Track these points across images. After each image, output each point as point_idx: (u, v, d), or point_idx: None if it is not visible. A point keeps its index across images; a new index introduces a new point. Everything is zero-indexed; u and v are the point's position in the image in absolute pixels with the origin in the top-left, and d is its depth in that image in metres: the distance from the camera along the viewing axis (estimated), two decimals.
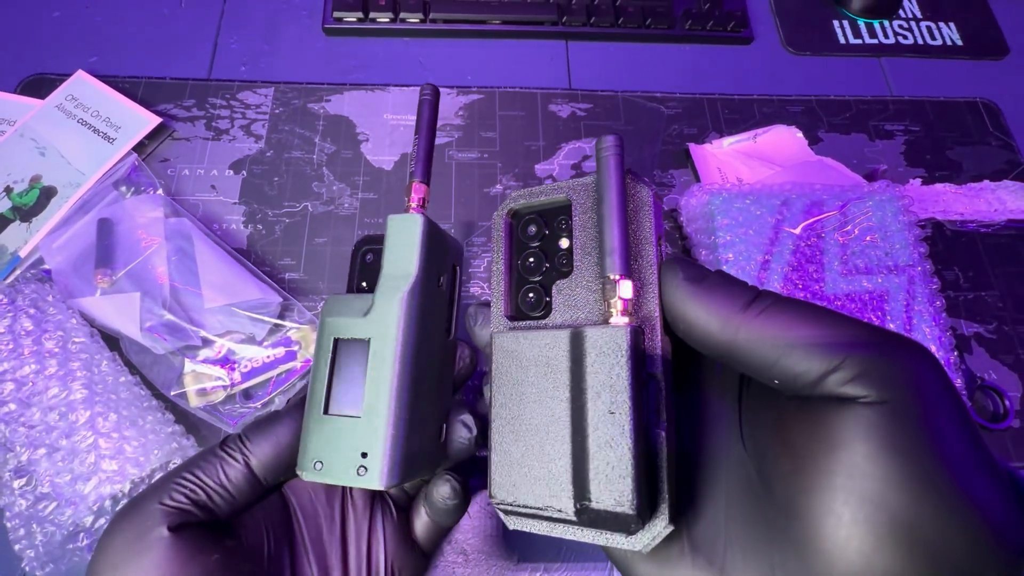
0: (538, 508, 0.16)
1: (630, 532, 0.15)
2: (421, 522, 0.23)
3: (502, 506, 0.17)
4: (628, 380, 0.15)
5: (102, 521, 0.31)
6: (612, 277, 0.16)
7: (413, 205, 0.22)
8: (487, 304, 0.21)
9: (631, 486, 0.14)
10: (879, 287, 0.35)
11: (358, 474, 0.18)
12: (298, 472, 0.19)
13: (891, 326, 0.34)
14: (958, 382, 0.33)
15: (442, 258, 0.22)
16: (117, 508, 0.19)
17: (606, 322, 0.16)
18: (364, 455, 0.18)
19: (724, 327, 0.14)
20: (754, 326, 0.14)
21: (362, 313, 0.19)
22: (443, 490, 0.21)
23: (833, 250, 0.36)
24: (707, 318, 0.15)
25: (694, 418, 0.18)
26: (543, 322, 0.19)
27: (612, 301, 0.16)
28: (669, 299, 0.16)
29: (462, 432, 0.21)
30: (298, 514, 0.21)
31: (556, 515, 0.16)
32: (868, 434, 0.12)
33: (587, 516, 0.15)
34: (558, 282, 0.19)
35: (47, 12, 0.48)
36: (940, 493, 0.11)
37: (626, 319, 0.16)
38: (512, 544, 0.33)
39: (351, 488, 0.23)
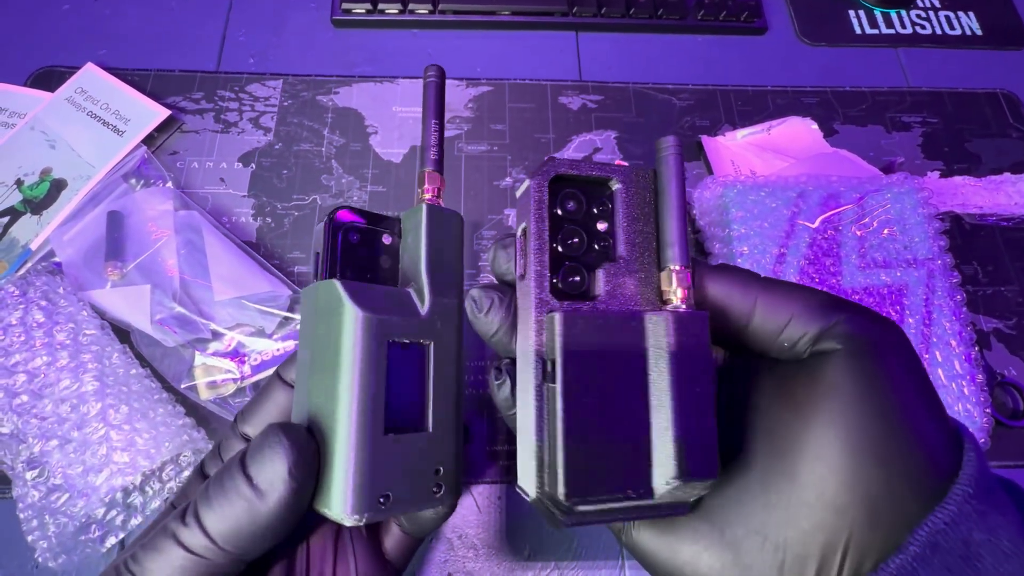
0: (614, 496, 0.16)
1: (699, 496, 0.16)
2: (392, 537, 0.21)
3: (572, 501, 0.15)
4: (709, 359, 0.16)
5: (113, 513, 0.31)
6: (674, 268, 0.17)
7: (427, 197, 0.21)
8: (494, 288, 0.19)
9: (716, 456, 0.16)
10: (898, 281, 0.34)
11: (433, 495, 0.17)
12: (342, 517, 0.15)
13: (910, 321, 0.33)
14: (979, 377, 0.32)
15: None
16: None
17: (667, 310, 0.17)
18: (437, 471, 0.17)
19: (744, 302, 0.17)
20: (766, 300, 0.17)
21: (414, 313, 0.18)
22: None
23: (851, 243, 0.35)
24: (729, 298, 0.18)
25: None
26: (598, 306, 0.17)
27: (673, 290, 0.17)
28: (700, 284, 0.18)
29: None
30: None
31: (632, 498, 0.16)
32: (853, 378, 0.15)
33: (671, 492, 0.16)
34: (606, 265, 0.18)
35: (57, 5, 0.48)
36: (898, 428, 0.15)
37: (690, 307, 0.17)
38: (523, 539, 0.32)
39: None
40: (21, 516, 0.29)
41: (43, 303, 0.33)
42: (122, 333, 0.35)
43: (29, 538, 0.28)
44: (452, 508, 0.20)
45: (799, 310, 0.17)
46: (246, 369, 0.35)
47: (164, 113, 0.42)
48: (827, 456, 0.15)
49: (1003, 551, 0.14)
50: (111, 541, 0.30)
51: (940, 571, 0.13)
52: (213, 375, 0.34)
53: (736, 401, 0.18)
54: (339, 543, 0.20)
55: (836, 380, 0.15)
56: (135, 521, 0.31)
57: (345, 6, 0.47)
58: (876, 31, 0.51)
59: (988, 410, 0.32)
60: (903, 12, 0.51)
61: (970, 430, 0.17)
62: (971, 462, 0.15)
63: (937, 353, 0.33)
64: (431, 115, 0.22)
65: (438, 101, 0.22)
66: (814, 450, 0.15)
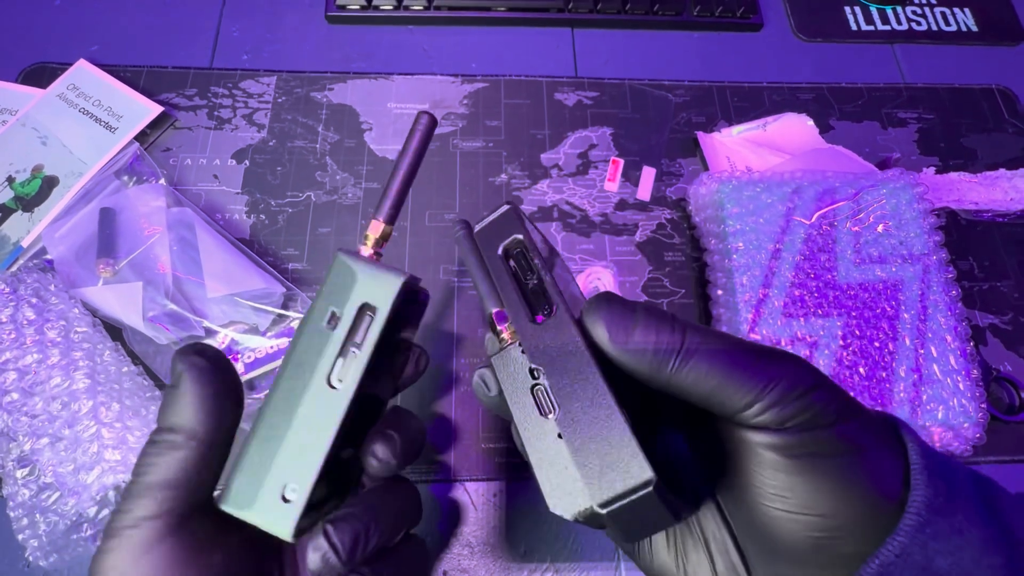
0: (626, 492, 0.15)
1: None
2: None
3: (601, 506, 0.16)
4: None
5: (105, 511, 0.31)
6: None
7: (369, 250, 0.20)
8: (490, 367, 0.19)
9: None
10: (893, 276, 0.34)
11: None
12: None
13: (905, 316, 0.33)
14: (974, 373, 0.32)
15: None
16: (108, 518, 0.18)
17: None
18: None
19: (655, 378, 0.16)
20: (678, 380, 0.16)
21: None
22: (312, 558, 0.18)
23: (846, 239, 0.35)
24: (641, 370, 0.16)
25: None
26: (549, 321, 0.18)
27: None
28: (606, 349, 0.17)
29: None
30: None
31: (639, 490, 0.15)
32: (787, 455, 0.16)
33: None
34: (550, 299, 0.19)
35: (49, 1, 0.48)
36: (850, 483, 0.15)
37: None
38: (518, 537, 0.32)
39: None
40: (11, 515, 0.28)
41: (34, 300, 0.32)
42: (114, 331, 0.35)
43: (20, 537, 0.28)
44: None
45: (716, 388, 0.16)
46: (239, 367, 0.35)
47: (157, 110, 0.42)
48: (778, 522, 0.16)
49: (966, 570, 0.14)
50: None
51: None
52: None
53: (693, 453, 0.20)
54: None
55: (772, 460, 0.16)
56: None
57: (340, 2, 0.47)
58: (872, 27, 0.51)
59: (984, 405, 0.32)
60: (899, 8, 0.51)
61: (910, 426, 0.17)
62: (919, 475, 0.15)
63: (932, 348, 0.33)
64: (407, 159, 0.20)
65: (419, 148, 0.21)
66: (765, 512, 0.16)
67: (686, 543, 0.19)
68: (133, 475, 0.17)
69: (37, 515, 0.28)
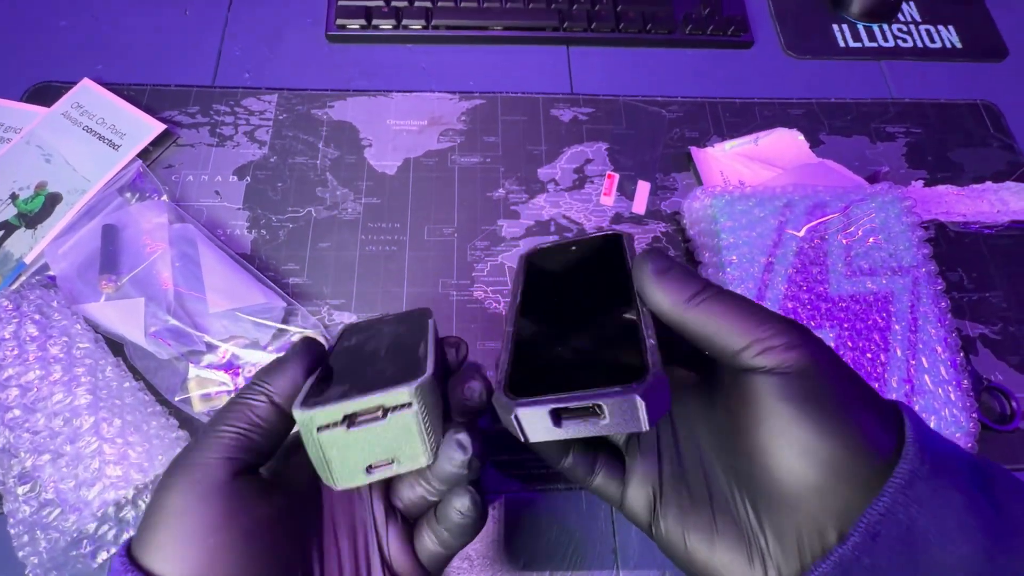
0: (556, 397, 0.17)
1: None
2: (424, 549, 0.22)
3: (512, 397, 0.18)
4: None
5: (105, 527, 0.31)
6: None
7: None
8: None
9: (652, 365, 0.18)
10: (883, 288, 0.35)
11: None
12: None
13: (896, 327, 0.34)
14: (964, 383, 0.33)
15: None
16: (171, 464, 0.19)
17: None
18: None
19: (673, 310, 0.19)
20: (693, 312, 0.18)
21: None
22: (462, 502, 0.21)
23: (837, 252, 0.36)
24: (664, 302, 0.19)
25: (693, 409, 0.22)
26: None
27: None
28: (639, 285, 0.20)
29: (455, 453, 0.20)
30: (330, 498, 0.22)
31: (575, 399, 0.17)
32: (784, 396, 0.17)
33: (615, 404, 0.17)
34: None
35: (54, 21, 0.49)
36: (839, 432, 0.16)
37: None
38: (519, 549, 0.32)
39: (371, 494, 0.22)
40: (12, 532, 0.28)
41: (37, 317, 0.33)
42: (116, 346, 0.35)
43: (20, 554, 0.28)
44: (482, 522, 0.22)
45: (719, 327, 0.18)
46: (240, 381, 0.35)
47: (160, 127, 0.43)
48: (778, 465, 0.17)
49: (950, 536, 0.15)
50: (102, 556, 0.30)
51: (884, 557, 0.15)
52: (207, 387, 0.34)
53: (702, 417, 0.20)
54: (389, 531, 0.22)
55: (770, 402, 0.17)
56: (127, 536, 0.31)
57: (340, 21, 0.48)
58: (859, 44, 0.52)
59: (975, 415, 0.33)
60: (885, 26, 0.53)
61: (911, 407, 0.18)
62: (911, 446, 0.16)
63: (923, 359, 0.33)
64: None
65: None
66: (765, 460, 0.17)
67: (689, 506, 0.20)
68: (211, 422, 0.19)
69: (38, 532, 0.28)
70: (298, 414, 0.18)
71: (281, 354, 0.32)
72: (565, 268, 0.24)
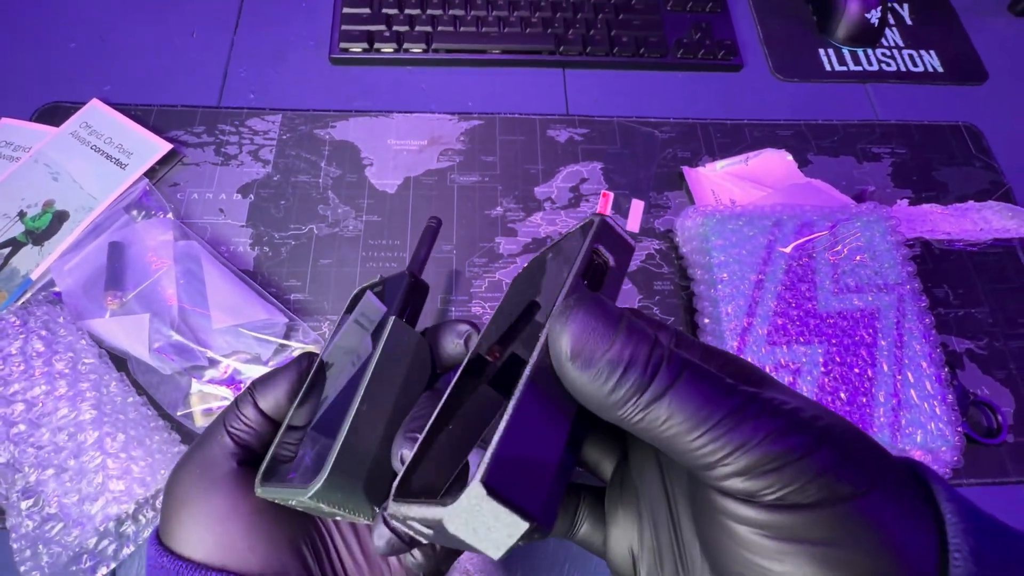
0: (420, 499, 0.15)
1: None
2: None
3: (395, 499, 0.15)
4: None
5: (105, 542, 0.31)
6: None
7: None
8: None
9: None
10: (870, 305, 0.36)
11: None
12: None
13: (883, 343, 0.35)
14: (949, 398, 0.34)
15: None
16: (182, 456, 0.21)
17: None
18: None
19: (606, 410, 0.13)
20: (636, 421, 0.13)
21: None
22: (407, 560, 0.20)
23: (824, 269, 0.37)
24: (590, 399, 0.13)
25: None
26: None
27: None
28: (555, 364, 0.14)
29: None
30: None
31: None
32: (759, 534, 0.12)
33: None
34: None
35: (64, 43, 0.50)
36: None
37: None
38: (514, 565, 0.33)
39: None
40: (14, 546, 0.29)
41: (43, 332, 0.33)
42: (119, 361, 0.36)
43: (22, 568, 0.28)
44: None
45: (674, 426, 0.12)
46: None
47: (166, 147, 0.44)
48: None
49: None
50: (102, 571, 0.30)
51: None
52: (209, 402, 0.35)
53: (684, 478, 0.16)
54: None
55: (744, 542, 0.12)
56: (127, 550, 0.32)
57: (343, 45, 0.50)
58: (845, 68, 0.54)
59: (960, 428, 0.33)
60: (869, 51, 0.55)
61: (935, 472, 0.13)
62: (959, 560, 0.11)
63: (909, 374, 0.34)
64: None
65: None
66: None
67: None
68: (210, 424, 0.21)
69: (40, 546, 0.28)
70: (261, 491, 0.19)
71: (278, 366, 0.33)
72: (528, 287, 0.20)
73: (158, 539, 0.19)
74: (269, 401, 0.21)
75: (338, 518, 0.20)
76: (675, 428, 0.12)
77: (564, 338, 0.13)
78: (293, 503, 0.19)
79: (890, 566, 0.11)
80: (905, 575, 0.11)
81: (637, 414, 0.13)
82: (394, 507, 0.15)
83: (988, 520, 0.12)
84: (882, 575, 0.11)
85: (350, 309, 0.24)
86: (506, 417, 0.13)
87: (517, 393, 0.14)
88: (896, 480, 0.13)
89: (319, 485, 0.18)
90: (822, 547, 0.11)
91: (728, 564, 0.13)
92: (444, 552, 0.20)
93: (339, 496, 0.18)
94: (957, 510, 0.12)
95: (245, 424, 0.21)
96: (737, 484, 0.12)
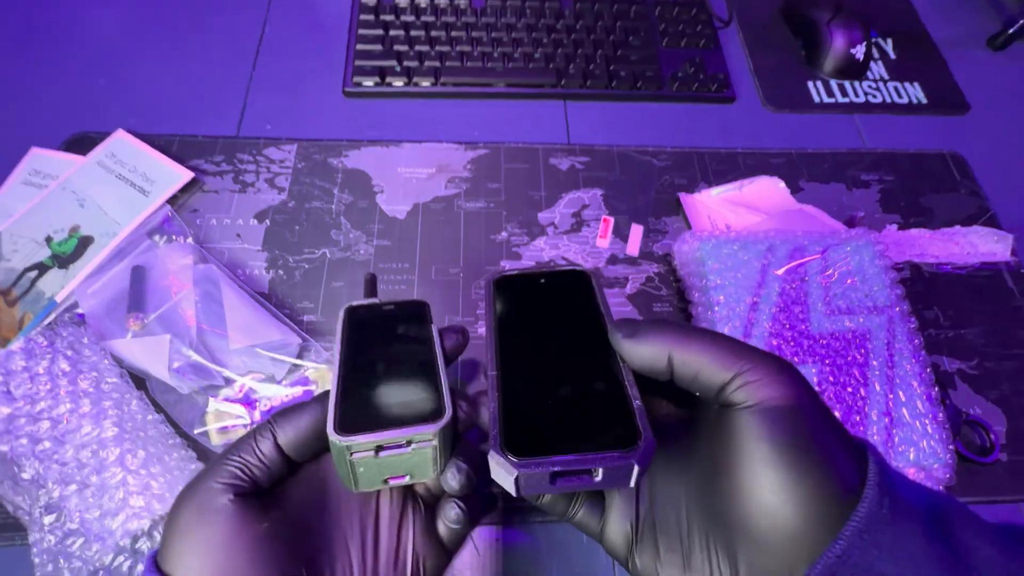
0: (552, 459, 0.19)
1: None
2: (443, 528, 0.24)
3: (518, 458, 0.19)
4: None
5: (121, 559, 0.32)
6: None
7: None
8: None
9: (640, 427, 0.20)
10: (861, 327, 0.37)
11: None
12: None
13: (874, 363, 0.36)
14: (940, 416, 0.35)
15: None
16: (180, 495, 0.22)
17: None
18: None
19: (655, 367, 0.20)
20: (678, 358, 0.19)
21: None
22: (448, 515, 0.23)
23: (816, 292, 0.39)
24: (646, 363, 0.20)
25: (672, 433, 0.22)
26: None
27: None
28: (619, 351, 0.21)
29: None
30: (338, 498, 0.23)
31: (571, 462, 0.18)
32: (765, 436, 0.17)
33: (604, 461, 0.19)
34: None
35: (93, 77, 0.53)
36: (815, 473, 0.17)
37: None
38: (503, 568, 0.33)
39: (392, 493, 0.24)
40: (36, 561, 0.30)
41: (69, 353, 0.35)
42: (139, 380, 0.37)
43: None
44: (471, 526, 0.24)
45: (704, 363, 0.19)
46: (256, 415, 0.37)
47: (188, 176, 0.46)
48: (755, 505, 0.17)
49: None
50: None
51: None
52: (224, 421, 0.36)
53: (683, 456, 0.21)
54: (403, 518, 0.24)
55: (751, 441, 0.17)
56: (141, 568, 0.32)
57: (356, 79, 0.53)
58: (833, 99, 0.56)
59: (952, 446, 0.35)
60: (856, 83, 0.58)
61: (876, 448, 0.18)
62: (870, 488, 0.16)
63: (900, 393, 0.35)
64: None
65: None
66: (741, 500, 0.17)
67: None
68: (223, 451, 0.22)
69: (61, 560, 0.29)
70: (334, 440, 0.20)
71: (298, 391, 0.34)
72: (536, 302, 0.25)
73: (155, 563, 0.20)
74: (290, 437, 0.21)
75: (409, 480, 0.21)
76: (711, 355, 0.19)
77: (619, 335, 0.21)
78: (389, 454, 0.20)
79: (827, 469, 0.17)
80: (838, 480, 0.17)
81: (682, 349, 0.19)
82: (493, 457, 0.19)
83: (896, 473, 0.18)
84: (823, 477, 0.16)
85: (344, 324, 0.25)
86: (632, 395, 0.20)
87: (627, 375, 0.20)
88: (842, 428, 0.18)
89: (447, 418, 0.20)
90: (793, 447, 0.17)
91: (737, 474, 0.18)
92: (475, 511, 0.24)
93: (448, 436, 0.21)
94: (876, 461, 0.17)
95: (259, 460, 0.21)
96: (751, 394, 0.18)
